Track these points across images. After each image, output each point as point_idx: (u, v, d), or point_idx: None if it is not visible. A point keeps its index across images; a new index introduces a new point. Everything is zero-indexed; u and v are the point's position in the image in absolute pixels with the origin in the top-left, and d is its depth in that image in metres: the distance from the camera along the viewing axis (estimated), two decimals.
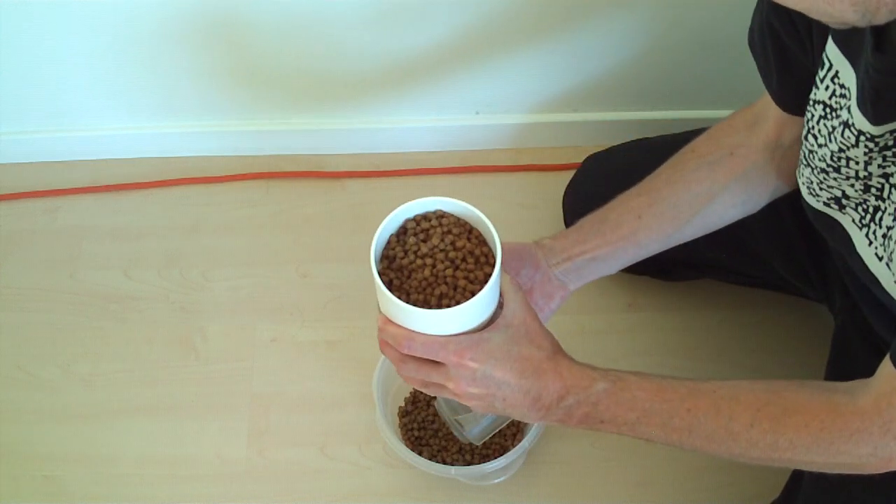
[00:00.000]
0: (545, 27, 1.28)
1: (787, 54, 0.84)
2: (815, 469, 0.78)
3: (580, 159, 1.30)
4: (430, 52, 1.32)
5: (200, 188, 1.45)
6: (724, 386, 0.79)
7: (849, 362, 0.99)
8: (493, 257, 0.79)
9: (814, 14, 0.60)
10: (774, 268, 1.12)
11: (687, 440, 0.78)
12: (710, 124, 0.99)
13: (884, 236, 0.78)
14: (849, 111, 0.74)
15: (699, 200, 0.95)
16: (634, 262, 0.99)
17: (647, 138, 1.26)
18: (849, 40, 0.73)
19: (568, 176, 1.28)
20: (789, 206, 0.96)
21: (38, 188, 1.45)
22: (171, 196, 1.45)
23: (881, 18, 0.58)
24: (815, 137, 0.81)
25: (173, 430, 1.23)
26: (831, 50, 0.76)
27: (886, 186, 0.76)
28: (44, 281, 1.37)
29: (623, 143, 1.27)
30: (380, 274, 0.79)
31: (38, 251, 1.40)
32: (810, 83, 0.82)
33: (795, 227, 0.99)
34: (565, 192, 1.27)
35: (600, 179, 1.22)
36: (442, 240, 0.80)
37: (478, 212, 0.80)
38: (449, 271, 0.79)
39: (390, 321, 0.80)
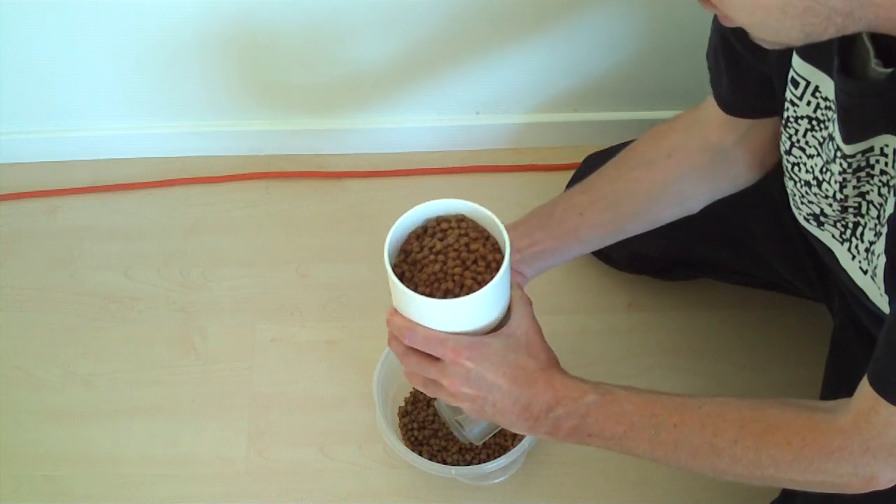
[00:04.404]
0: (545, 27, 1.28)
1: (739, 61, 0.85)
2: (798, 488, 0.77)
3: (580, 159, 1.30)
4: (431, 52, 1.32)
5: (200, 188, 1.45)
6: (710, 402, 0.79)
7: (848, 362, 0.99)
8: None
9: (757, 32, 0.61)
10: (774, 268, 1.12)
11: (672, 455, 0.79)
12: None
13: (866, 250, 0.78)
14: (834, 124, 0.74)
15: (637, 200, 0.97)
16: (581, 255, 1.02)
17: None
18: (818, 56, 0.73)
19: (568, 176, 1.28)
20: (788, 206, 0.96)
21: (38, 188, 1.45)
22: (171, 196, 1.45)
23: (825, 38, 0.59)
24: (803, 149, 0.81)
25: (173, 431, 1.23)
26: (803, 67, 0.76)
27: (864, 204, 0.76)
28: (44, 281, 1.37)
29: (623, 143, 1.27)
30: (394, 266, 0.81)
31: (38, 251, 1.40)
32: (764, 88, 0.83)
33: (795, 228, 0.99)
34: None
35: None
36: (458, 240, 0.81)
37: (495, 219, 0.81)
38: (458, 269, 0.80)
39: (397, 312, 0.81)
